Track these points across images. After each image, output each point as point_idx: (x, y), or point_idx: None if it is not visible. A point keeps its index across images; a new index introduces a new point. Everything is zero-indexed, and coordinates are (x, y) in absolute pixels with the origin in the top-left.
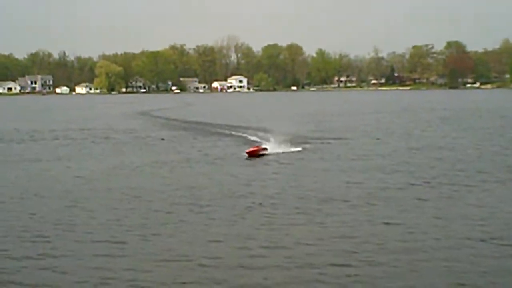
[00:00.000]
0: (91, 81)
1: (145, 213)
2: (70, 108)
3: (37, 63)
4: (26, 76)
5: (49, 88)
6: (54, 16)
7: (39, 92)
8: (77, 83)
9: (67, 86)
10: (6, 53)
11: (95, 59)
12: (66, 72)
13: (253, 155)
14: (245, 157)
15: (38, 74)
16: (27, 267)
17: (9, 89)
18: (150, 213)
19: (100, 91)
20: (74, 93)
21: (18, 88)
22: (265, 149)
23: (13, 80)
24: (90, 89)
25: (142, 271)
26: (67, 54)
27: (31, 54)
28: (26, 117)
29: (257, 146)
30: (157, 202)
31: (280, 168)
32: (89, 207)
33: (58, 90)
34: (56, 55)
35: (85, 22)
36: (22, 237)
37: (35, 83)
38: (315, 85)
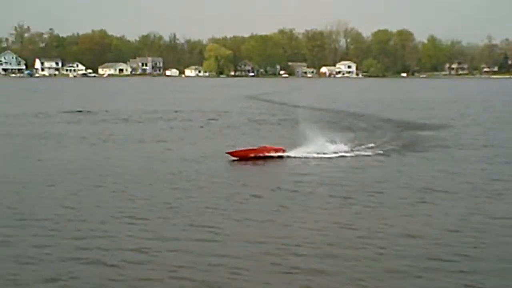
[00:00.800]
0: (200, 64)
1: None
2: (179, 90)
3: (148, 46)
4: (137, 58)
5: (159, 70)
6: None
7: (149, 74)
8: (187, 66)
9: (176, 69)
10: (119, 35)
11: (204, 42)
12: (176, 54)
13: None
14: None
15: (149, 56)
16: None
17: (121, 70)
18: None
19: (209, 74)
20: (183, 75)
21: (129, 69)
22: (278, 150)
23: (125, 62)
24: (199, 72)
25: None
26: (177, 37)
27: (143, 36)
28: (134, 97)
29: (263, 147)
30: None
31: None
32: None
33: (168, 73)
34: (166, 38)
35: (196, 5)
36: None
37: (146, 65)
38: (425, 72)
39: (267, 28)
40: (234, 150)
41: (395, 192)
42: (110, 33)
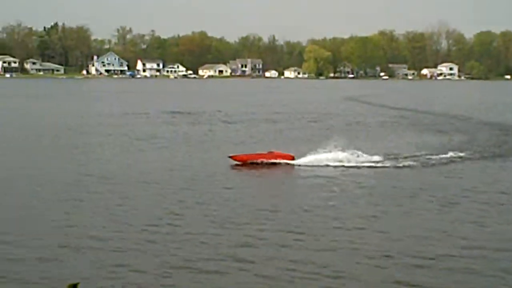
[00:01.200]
0: (299, 65)
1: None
2: (278, 92)
3: (248, 47)
4: (237, 60)
5: (259, 71)
6: (267, 1)
7: (248, 76)
8: (286, 67)
9: (276, 70)
10: (218, 36)
11: (304, 44)
12: (275, 56)
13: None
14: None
15: (248, 57)
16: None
17: (220, 71)
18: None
19: (308, 76)
20: (282, 77)
21: (229, 71)
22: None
23: (224, 63)
24: (299, 73)
25: None
26: (276, 38)
27: (242, 38)
28: (234, 99)
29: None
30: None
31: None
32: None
33: (267, 74)
34: (266, 39)
35: (296, 7)
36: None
37: (245, 66)
38: None
39: (367, 29)
40: (239, 154)
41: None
42: (210, 34)
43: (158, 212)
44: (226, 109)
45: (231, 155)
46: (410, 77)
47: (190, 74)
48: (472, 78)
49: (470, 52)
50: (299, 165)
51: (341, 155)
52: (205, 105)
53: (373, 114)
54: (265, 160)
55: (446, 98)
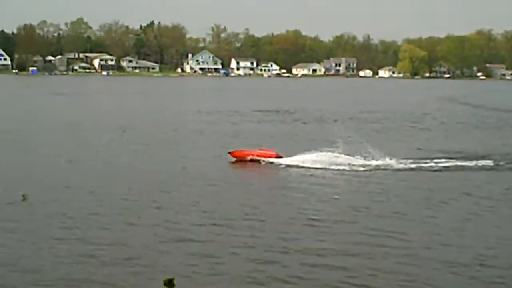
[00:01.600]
0: (394, 65)
1: None
2: (373, 91)
3: (342, 46)
4: (331, 59)
5: (353, 71)
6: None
7: (342, 75)
8: (380, 67)
9: (370, 69)
10: (312, 35)
11: (399, 43)
12: (369, 55)
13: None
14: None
15: (343, 56)
16: None
17: (314, 70)
18: None
19: (403, 75)
20: (376, 76)
21: (323, 70)
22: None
23: (318, 62)
24: (393, 73)
25: None
26: (371, 37)
27: (336, 36)
28: (329, 98)
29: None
30: None
31: None
32: None
33: (361, 73)
34: (360, 38)
35: (389, 5)
36: None
37: (339, 65)
38: None
39: (464, 28)
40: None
41: None
42: (304, 33)
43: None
44: (319, 107)
45: (229, 151)
46: (508, 78)
47: (283, 72)
48: None
49: None
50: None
51: (328, 157)
52: (297, 104)
53: (470, 115)
54: (256, 157)
55: None
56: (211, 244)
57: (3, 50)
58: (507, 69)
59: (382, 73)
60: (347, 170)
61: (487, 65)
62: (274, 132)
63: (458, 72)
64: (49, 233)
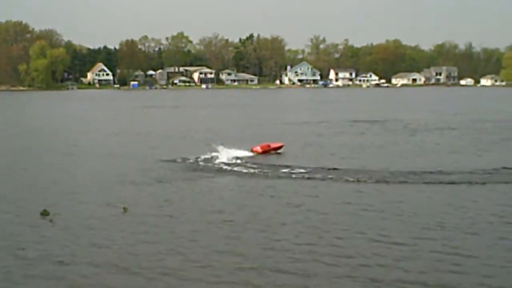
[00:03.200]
0: (497, 73)
1: None
2: (475, 101)
3: (443, 55)
4: (431, 68)
5: (453, 79)
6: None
7: (443, 84)
8: (482, 75)
9: (471, 78)
10: (413, 44)
11: (502, 50)
12: (471, 63)
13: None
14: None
15: (443, 65)
16: None
17: (414, 80)
18: None
19: (506, 83)
20: (478, 85)
21: (423, 79)
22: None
23: (418, 72)
24: (496, 81)
25: None
26: (473, 45)
27: (437, 45)
28: (428, 108)
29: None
30: None
31: None
32: None
33: (462, 82)
34: (462, 47)
35: (494, 12)
36: None
37: (440, 74)
38: None
39: None
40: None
41: None
42: (404, 42)
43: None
44: (413, 118)
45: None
46: None
47: (382, 83)
48: None
49: None
50: None
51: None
52: (390, 114)
53: None
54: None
55: None
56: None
57: (106, 65)
58: None
59: (484, 81)
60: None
61: None
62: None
63: None
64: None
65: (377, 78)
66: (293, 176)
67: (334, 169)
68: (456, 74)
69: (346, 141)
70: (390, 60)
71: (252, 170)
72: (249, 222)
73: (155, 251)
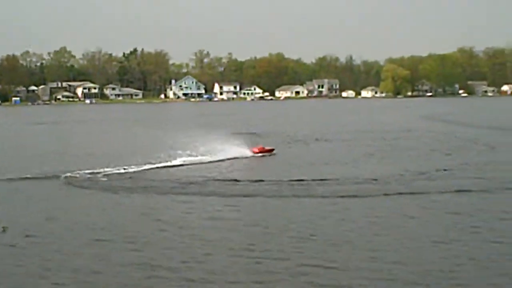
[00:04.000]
0: (377, 85)
1: None
2: (355, 112)
3: (325, 67)
4: (314, 80)
5: (335, 92)
6: (339, 22)
7: (325, 96)
8: (363, 87)
9: (353, 90)
10: (295, 57)
11: (381, 63)
12: (352, 76)
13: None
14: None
15: (325, 78)
16: None
17: (297, 92)
18: None
19: (386, 95)
20: (359, 97)
21: (306, 92)
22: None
23: (301, 84)
24: (376, 93)
25: None
26: (353, 58)
27: (319, 58)
28: (308, 120)
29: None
30: None
31: None
32: None
33: (344, 94)
34: (343, 59)
35: (372, 26)
36: None
37: (322, 87)
38: None
39: (445, 47)
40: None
41: None
42: (287, 56)
43: None
44: (305, 129)
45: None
46: (490, 94)
47: (266, 96)
48: None
49: None
50: None
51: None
52: (272, 126)
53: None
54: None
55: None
56: None
57: None
58: (489, 85)
59: (365, 93)
60: None
61: (469, 82)
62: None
63: (440, 90)
64: None
65: (261, 91)
66: (170, 192)
67: (205, 181)
68: (338, 86)
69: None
70: (273, 73)
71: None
72: (117, 241)
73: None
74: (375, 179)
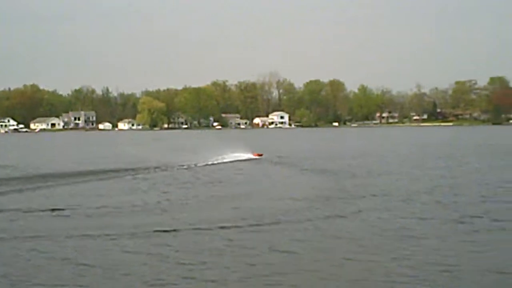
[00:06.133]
0: (133, 117)
1: None
2: (105, 144)
3: (81, 99)
4: (70, 112)
5: (92, 124)
6: (96, 54)
7: (82, 128)
8: (120, 119)
9: (109, 122)
10: (51, 89)
11: (137, 95)
12: (109, 108)
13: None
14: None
15: (82, 110)
16: None
17: (53, 125)
18: None
19: (142, 127)
20: (116, 129)
21: (62, 124)
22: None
23: (57, 116)
24: (133, 125)
25: None
26: (110, 90)
27: (75, 90)
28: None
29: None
30: None
31: None
32: None
33: (101, 126)
34: (99, 91)
35: (130, 58)
36: None
37: (79, 119)
38: (356, 121)
39: (200, 80)
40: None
41: None
42: (42, 87)
43: None
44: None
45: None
46: (242, 126)
47: (21, 128)
48: (302, 126)
49: (300, 101)
50: None
51: None
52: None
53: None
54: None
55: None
56: None
57: None
58: (241, 118)
59: (122, 125)
60: None
61: (223, 115)
62: None
63: (195, 122)
64: None
65: (15, 123)
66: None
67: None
68: (94, 118)
69: None
70: (28, 105)
71: None
72: None
73: None
74: None
